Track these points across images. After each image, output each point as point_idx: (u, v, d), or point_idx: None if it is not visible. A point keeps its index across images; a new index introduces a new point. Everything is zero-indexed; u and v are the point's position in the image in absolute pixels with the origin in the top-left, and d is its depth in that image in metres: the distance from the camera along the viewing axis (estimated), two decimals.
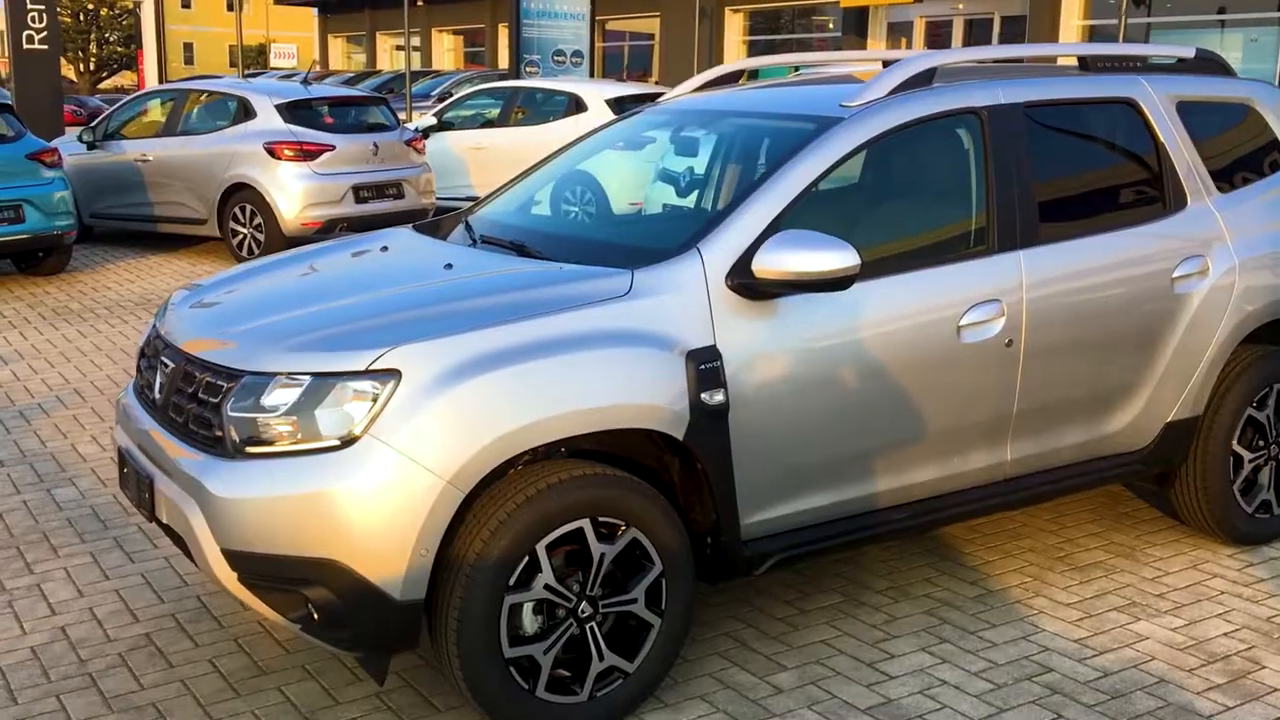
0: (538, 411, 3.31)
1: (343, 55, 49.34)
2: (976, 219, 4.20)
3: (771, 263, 3.62)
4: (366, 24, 45.56)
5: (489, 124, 14.60)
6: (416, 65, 40.11)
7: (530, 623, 3.43)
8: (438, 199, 12.98)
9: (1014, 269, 4.16)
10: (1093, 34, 17.71)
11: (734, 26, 29.21)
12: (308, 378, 3.28)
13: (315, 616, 3.29)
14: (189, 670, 3.92)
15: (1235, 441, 4.77)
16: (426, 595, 3.32)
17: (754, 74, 7.95)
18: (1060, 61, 5.26)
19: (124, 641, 4.09)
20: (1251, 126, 4.97)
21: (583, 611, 3.47)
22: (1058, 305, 4.24)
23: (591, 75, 22.35)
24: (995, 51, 4.61)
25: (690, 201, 4.87)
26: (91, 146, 12.81)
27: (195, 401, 3.48)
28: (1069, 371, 4.31)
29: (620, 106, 13.10)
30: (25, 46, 18.44)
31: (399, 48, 44.61)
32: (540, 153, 5.97)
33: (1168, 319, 4.50)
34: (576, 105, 13.64)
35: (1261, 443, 4.86)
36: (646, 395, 3.47)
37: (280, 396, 3.29)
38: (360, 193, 11.86)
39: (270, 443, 3.28)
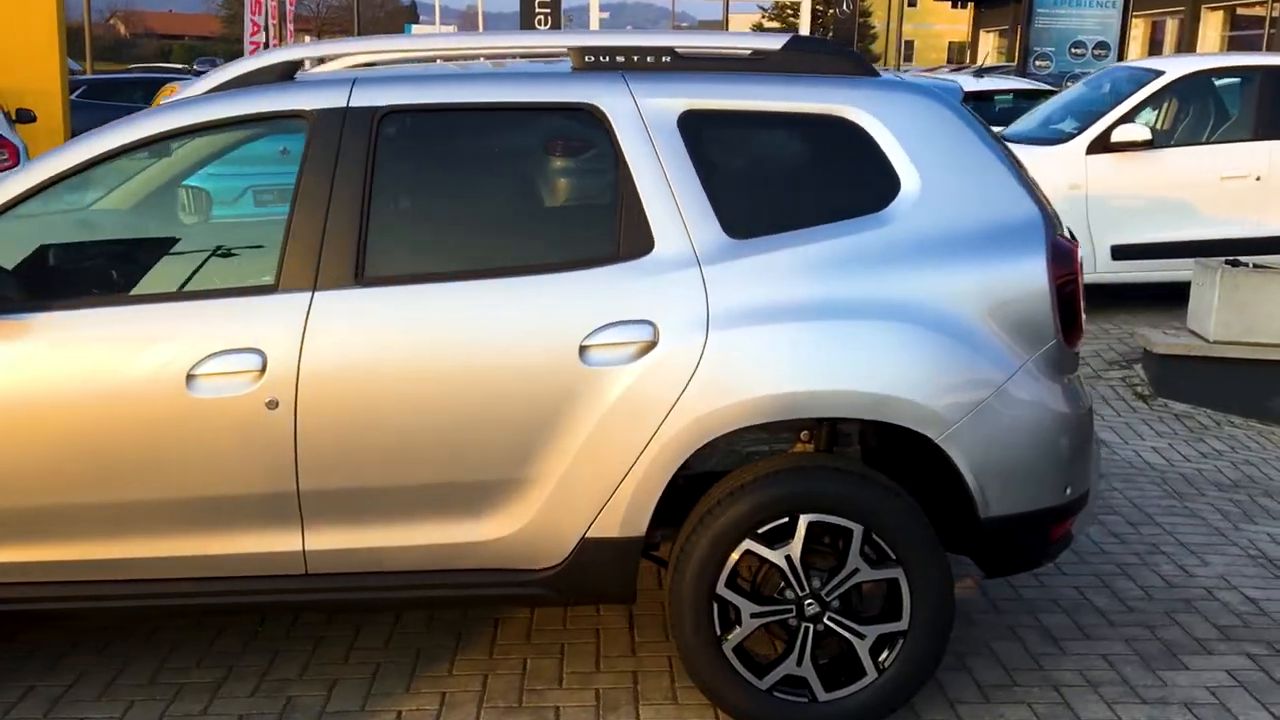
0: None
1: (993, 49, 48.38)
2: (265, 247, 3.42)
3: None
4: (1010, 18, 44.29)
5: None
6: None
7: None
8: None
9: (295, 314, 3.32)
10: None
11: (1211, 23, 24.67)
12: None
13: None
14: None
15: (723, 584, 3.41)
16: None
17: None
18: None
19: None
20: (845, 146, 3.47)
21: None
22: (366, 365, 3.32)
23: None
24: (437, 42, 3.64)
25: None
26: None
27: None
28: (390, 452, 3.35)
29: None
30: None
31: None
32: None
33: (568, 402, 3.32)
34: None
35: (789, 594, 3.43)
36: None
37: None
38: None
39: None
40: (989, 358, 3.34)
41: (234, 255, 3.68)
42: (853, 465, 3.46)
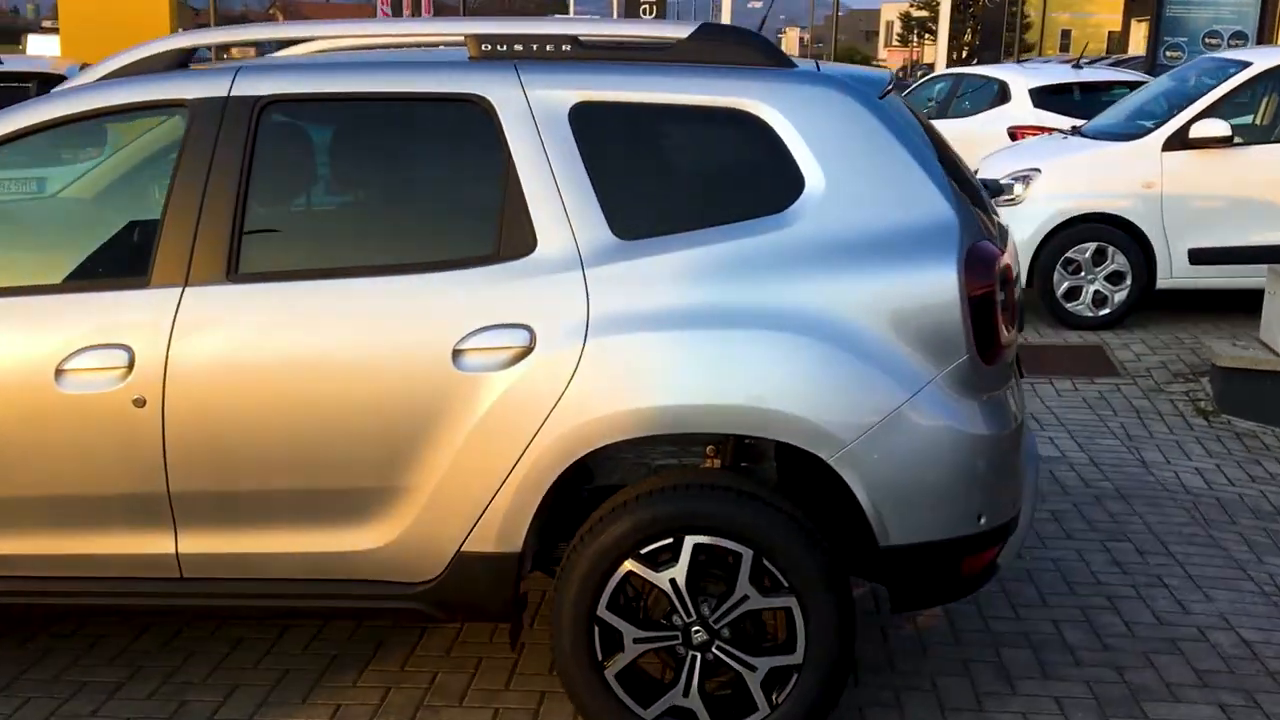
0: None
1: (1144, 38, 46.75)
2: (140, 241, 3.32)
3: None
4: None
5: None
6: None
7: None
8: None
9: (164, 310, 3.21)
10: None
11: None
12: None
13: None
14: None
15: (604, 606, 3.20)
16: None
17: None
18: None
19: None
20: (746, 142, 3.20)
21: None
22: (233, 365, 3.20)
23: None
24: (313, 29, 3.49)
25: None
26: None
27: None
28: (259, 455, 3.22)
29: (1041, 96, 11.16)
30: None
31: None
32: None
33: (441, 408, 3.13)
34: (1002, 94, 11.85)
35: (676, 619, 3.20)
36: None
37: None
38: None
39: None
40: (890, 373, 3.05)
41: (127, 247, 3.58)
42: (742, 484, 3.21)
